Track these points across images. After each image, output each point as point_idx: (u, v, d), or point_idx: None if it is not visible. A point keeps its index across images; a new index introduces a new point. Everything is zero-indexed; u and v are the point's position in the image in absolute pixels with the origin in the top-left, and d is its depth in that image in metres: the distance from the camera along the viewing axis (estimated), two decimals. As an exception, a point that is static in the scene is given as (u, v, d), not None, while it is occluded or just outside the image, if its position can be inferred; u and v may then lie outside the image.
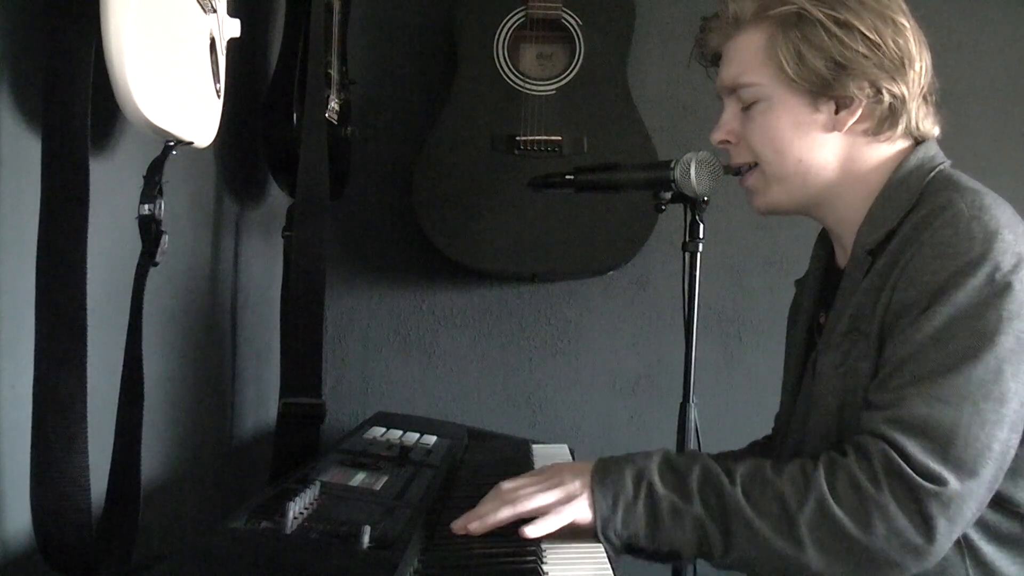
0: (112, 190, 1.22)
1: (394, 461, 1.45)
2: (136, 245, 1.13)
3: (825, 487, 1.14)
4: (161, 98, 1.06)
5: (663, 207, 1.63)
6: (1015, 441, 1.16)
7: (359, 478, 1.30)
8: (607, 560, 1.16)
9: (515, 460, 1.78)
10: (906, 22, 1.28)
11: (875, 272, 1.26)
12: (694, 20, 1.45)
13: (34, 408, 0.98)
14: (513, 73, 2.29)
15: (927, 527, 1.11)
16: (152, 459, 1.47)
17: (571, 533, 1.20)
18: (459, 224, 2.27)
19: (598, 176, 1.69)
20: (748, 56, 1.32)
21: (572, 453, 1.99)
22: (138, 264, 1.13)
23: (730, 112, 1.37)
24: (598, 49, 2.31)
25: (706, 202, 1.61)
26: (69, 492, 0.98)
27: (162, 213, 1.12)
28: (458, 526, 1.20)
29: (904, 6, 1.30)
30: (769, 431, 1.60)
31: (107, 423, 1.13)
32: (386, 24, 2.51)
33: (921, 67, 1.28)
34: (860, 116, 1.29)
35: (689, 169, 1.57)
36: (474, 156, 2.27)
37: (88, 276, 1.00)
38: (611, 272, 2.44)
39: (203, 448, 1.76)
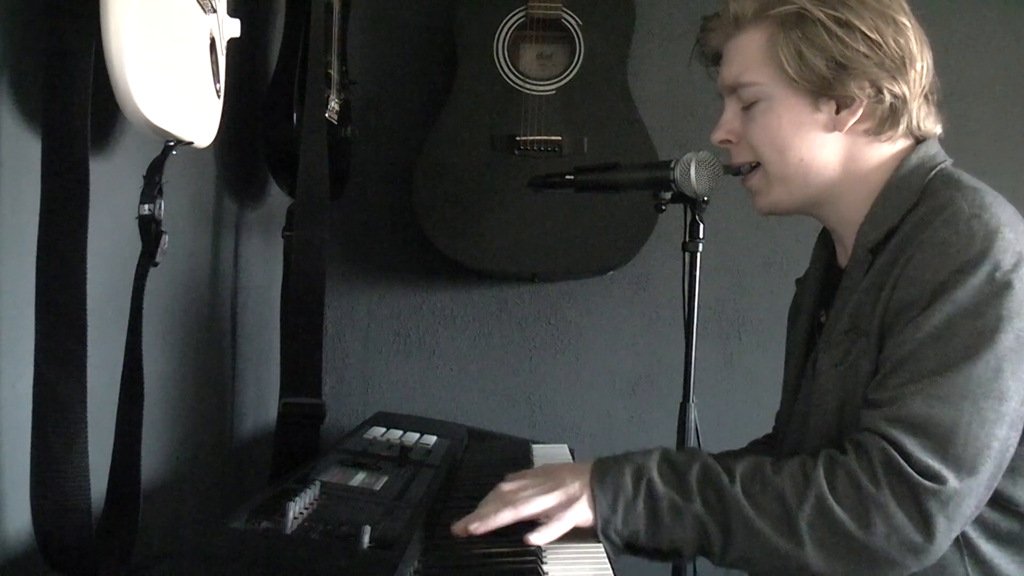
0: (112, 190, 1.22)
1: (394, 461, 1.45)
2: (136, 245, 1.13)
3: (825, 485, 1.14)
4: (161, 98, 1.06)
5: (663, 207, 1.63)
6: (1014, 440, 1.16)
7: (359, 478, 1.30)
8: (607, 560, 1.17)
9: (515, 460, 1.78)
10: (907, 21, 1.28)
11: (875, 270, 1.25)
12: (694, 20, 1.45)
13: (34, 408, 0.98)
14: (513, 73, 2.29)
15: (926, 525, 1.11)
16: (152, 459, 1.47)
17: (571, 532, 1.20)
18: (459, 224, 2.27)
19: (598, 176, 1.68)
20: (749, 56, 1.32)
21: (572, 453, 1.99)
22: (138, 264, 1.13)
23: (731, 112, 1.37)
24: (598, 49, 2.31)
25: (706, 202, 1.61)
26: (69, 492, 0.98)
27: (162, 213, 1.12)
28: (459, 529, 1.20)
29: (905, 5, 1.29)
30: (769, 431, 1.60)
31: (107, 423, 1.13)
32: (386, 24, 2.51)
33: (922, 66, 1.28)
34: (861, 116, 1.29)
35: (689, 169, 1.57)
36: (474, 156, 2.27)
37: (88, 276, 1.00)
38: (611, 272, 2.44)
39: (203, 448, 1.75)
